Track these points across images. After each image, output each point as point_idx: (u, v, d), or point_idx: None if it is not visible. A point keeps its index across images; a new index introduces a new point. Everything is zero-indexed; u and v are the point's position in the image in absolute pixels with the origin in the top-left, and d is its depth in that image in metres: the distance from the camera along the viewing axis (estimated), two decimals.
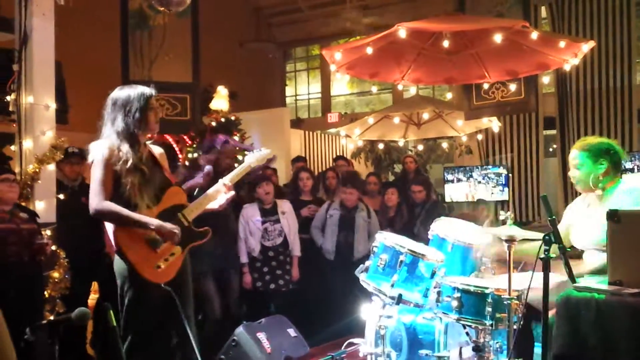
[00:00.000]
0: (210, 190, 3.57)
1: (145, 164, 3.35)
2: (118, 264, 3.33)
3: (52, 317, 4.49)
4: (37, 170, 5.05)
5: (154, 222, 3.24)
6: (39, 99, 5.18)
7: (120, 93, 3.39)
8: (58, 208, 5.28)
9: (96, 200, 3.22)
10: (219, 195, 3.56)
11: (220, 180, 3.61)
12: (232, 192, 3.61)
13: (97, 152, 3.29)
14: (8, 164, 5.64)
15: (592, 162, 3.50)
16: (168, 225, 3.27)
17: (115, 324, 2.51)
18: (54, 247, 4.92)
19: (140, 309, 3.29)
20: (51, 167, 5.21)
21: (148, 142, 3.53)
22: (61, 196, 5.35)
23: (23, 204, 4.92)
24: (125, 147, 3.28)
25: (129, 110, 3.32)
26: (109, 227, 3.31)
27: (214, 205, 3.58)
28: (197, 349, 3.20)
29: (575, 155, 3.59)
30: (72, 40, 7.66)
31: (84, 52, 9.43)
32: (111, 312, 2.49)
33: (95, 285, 6.06)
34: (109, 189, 3.24)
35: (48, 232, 4.97)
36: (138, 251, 3.25)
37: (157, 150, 3.59)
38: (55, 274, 4.94)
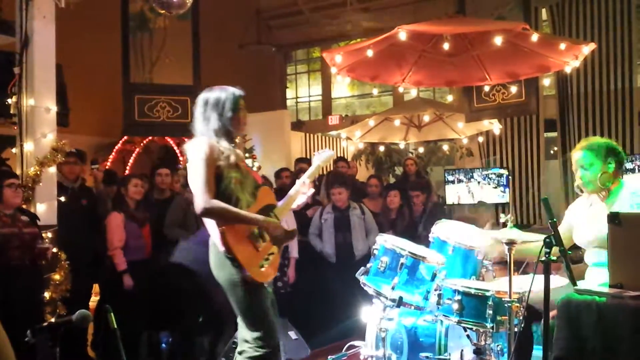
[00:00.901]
0: (291, 191, 3.59)
1: (241, 161, 3.36)
2: (223, 269, 3.24)
3: (53, 319, 4.49)
4: (38, 172, 5.05)
5: (260, 217, 3.23)
6: (40, 102, 5.18)
7: (211, 94, 3.40)
8: (59, 210, 5.28)
9: (204, 199, 3.12)
10: (299, 195, 3.59)
11: (298, 181, 3.63)
12: (312, 191, 3.66)
13: (197, 149, 3.22)
14: (8, 166, 5.66)
15: (602, 161, 3.42)
16: (273, 222, 3.29)
17: (115, 326, 2.51)
18: (55, 249, 4.92)
19: (261, 309, 3.25)
20: (52, 169, 5.21)
21: None
22: (62, 198, 5.36)
23: (24, 206, 4.93)
24: (225, 144, 3.28)
25: (222, 109, 3.33)
26: (212, 228, 3.22)
27: (293, 205, 3.64)
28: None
29: (582, 155, 3.48)
30: (73, 43, 7.68)
31: (84, 54, 9.44)
32: (112, 314, 2.49)
33: (96, 287, 6.06)
34: (213, 186, 3.17)
35: (49, 234, 4.97)
36: (245, 251, 3.20)
37: (238, 152, 3.55)
38: (56, 276, 4.94)
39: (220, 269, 3.25)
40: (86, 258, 5.51)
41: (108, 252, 5.35)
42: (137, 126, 8.35)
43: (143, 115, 8.22)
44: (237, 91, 3.43)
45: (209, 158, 3.18)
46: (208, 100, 3.38)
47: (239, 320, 3.32)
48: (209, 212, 3.16)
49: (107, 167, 8.86)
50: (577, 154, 3.52)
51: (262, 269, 3.25)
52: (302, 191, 3.58)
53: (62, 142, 5.27)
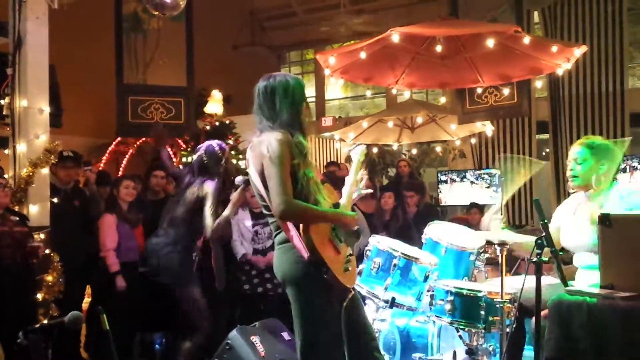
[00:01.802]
0: (344, 190, 3.31)
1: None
2: (304, 265, 2.88)
3: (45, 321, 4.48)
4: (31, 174, 5.04)
5: (340, 211, 3.01)
6: (32, 103, 5.18)
7: (275, 81, 3.03)
8: (51, 211, 5.27)
9: (284, 200, 2.79)
10: (353, 191, 3.32)
11: (347, 180, 3.35)
12: (366, 188, 3.44)
13: (272, 148, 2.86)
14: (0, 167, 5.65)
15: (595, 160, 3.49)
16: (350, 214, 3.06)
17: (108, 327, 2.51)
18: (47, 251, 4.91)
19: (330, 314, 2.91)
20: (45, 170, 5.20)
21: None
22: (55, 200, 5.35)
23: (17, 208, 4.92)
24: (300, 138, 2.95)
25: (293, 97, 3.00)
26: (293, 230, 2.88)
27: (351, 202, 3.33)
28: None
29: (579, 150, 3.55)
30: (66, 43, 7.66)
31: (78, 55, 9.43)
32: (104, 315, 2.50)
33: (88, 289, 6.05)
34: (291, 186, 2.85)
35: (42, 236, 4.97)
36: (329, 254, 2.90)
37: None
38: (49, 278, 4.93)
39: (291, 267, 2.94)
40: (79, 259, 5.50)
41: (100, 253, 5.35)
42: (131, 127, 8.33)
43: (136, 116, 8.19)
44: (300, 79, 3.13)
45: (284, 156, 2.85)
46: (275, 88, 3.01)
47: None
48: (289, 215, 2.84)
49: (100, 168, 8.85)
50: (575, 148, 3.59)
51: (347, 273, 2.99)
52: (353, 191, 3.32)
53: (55, 143, 5.26)
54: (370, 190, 3.51)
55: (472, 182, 9.22)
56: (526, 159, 10.70)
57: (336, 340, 2.89)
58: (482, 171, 9.54)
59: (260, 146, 2.93)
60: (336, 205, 3.11)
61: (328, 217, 2.96)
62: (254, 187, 3.06)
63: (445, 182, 9.32)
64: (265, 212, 3.09)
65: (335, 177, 7.13)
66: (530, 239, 3.24)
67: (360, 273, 3.97)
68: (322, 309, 2.91)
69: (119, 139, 9.52)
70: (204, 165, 4.81)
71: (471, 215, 7.77)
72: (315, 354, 2.91)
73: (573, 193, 3.72)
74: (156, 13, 6.64)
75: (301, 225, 2.86)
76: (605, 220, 2.35)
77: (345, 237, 3.05)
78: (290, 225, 2.89)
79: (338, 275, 2.87)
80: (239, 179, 4.39)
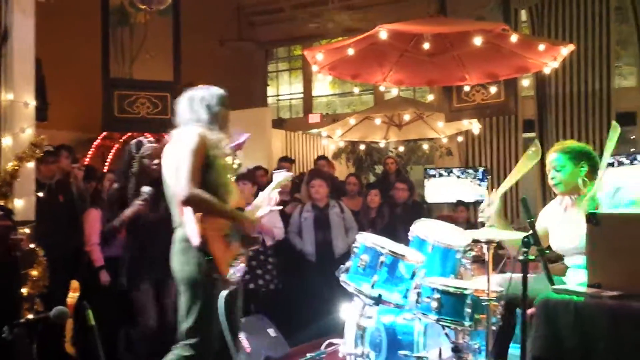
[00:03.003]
0: (256, 201, 3.62)
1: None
2: (188, 262, 3.16)
3: (30, 316, 4.45)
4: (17, 168, 5.00)
5: (239, 213, 3.21)
6: (18, 96, 5.13)
7: (196, 92, 3.42)
8: (36, 206, 5.23)
9: (187, 188, 3.07)
10: (262, 206, 3.58)
11: (261, 194, 3.64)
12: (274, 206, 3.65)
13: (187, 138, 3.18)
14: None
15: (574, 164, 3.53)
16: (250, 218, 3.27)
17: (93, 322, 2.50)
18: (32, 245, 4.87)
19: (214, 309, 3.12)
20: (30, 165, 5.16)
21: None
22: (40, 194, 5.31)
23: (2, 202, 4.88)
24: (217, 135, 3.27)
25: (209, 105, 3.35)
26: (191, 222, 3.11)
27: (259, 213, 3.59)
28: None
29: (555, 157, 3.60)
30: (52, 37, 7.59)
31: (64, 49, 9.34)
32: (90, 311, 2.48)
33: (74, 283, 6.00)
34: (198, 177, 3.12)
35: (27, 230, 4.92)
36: (220, 248, 3.14)
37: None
38: (34, 272, 4.89)
39: (184, 263, 3.18)
40: (64, 254, 5.46)
41: (85, 247, 5.32)
42: (117, 122, 8.30)
43: (123, 111, 8.17)
44: (221, 90, 3.46)
45: (199, 147, 3.14)
46: (194, 97, 3.39)
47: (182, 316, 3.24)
48: (190, 202, 3.09)
49: (86, 163, 8.79)
50: (552, 156, 3.63)
51: (230, 269, 3.20)
52: (264, 204, 3.58)
53: (41, 137, 5.22)
54: (278, 207, 3.73)
55: (457, 177, 9.26)
56: (512, 157, 10.84)
57: (212, 339, 3.17)
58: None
59: (178, 138, 3.25)
60: (240, 209, 3.36)
61: (227, 213, 3.17)
62: (165, 181, 3.30)
63: (434, 176, 9.35)
64: (169, 203, 3.32)
65: (321, 172, 7.16)
66: (518, 236, 3.26)
67: (347, 270, 3.97)
68: (209, 309, 3.10)
69: (105, 133, 9.45)
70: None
71: (457, 213, 7.80)
72: (198, 340, 3.15)
73: (558, 196, 3.74)
74: (143, 7, 6.60)
75: (198, 214, 3.08)
76: (592, 219, 2.37)
77: (244, 240, 3.30)
78: (187, 211, 3.11)
79: (221, 267, 3.11)
80: (145, 190, 4.40)
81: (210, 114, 3.32)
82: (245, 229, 3.27)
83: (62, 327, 4.97)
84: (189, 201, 3.08)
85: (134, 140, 4.82)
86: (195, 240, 3.08)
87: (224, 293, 3.08)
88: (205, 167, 3.15)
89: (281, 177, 3.79)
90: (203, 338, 3.16)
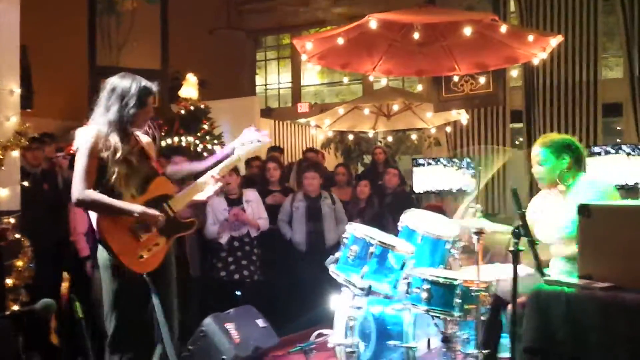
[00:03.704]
0: (198, 181, 3.50)
1: (133, 154, 3.28)
2: (100, 253, 3.26)
3: (16, 307, 4.40)
4: (1, 157, 4.93)
5: (138, 208, 3.18)
6: (3, 84, 5.05)
7: (122, 82, 3.29)
8: (21, 195, 5.17)
9: (79, 189, 3.12)
10: (207, 186, 3.48)
11: (208, 172, 3.53)
12: (220, 184, 3.54)
13: (83, 139, 3.18)
14: None
15: (555, 157, 3.57)
16: (151, 211, 3.21)
17: (81, 315, 2.47)
18: (18, 235, 4.82)
19: (124, 299, 3.23)
20: (15, 153, 5.09)
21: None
22: (26, 183, 5.24)
23: None
24: (115, 138, 3.20)
25: (127, 103, 3.23)
26: (92, 216, 3.23)
27: (201, 196, 3.51)
28: (170, 340, 3.17)
29: (538, 151, 3.64)
30: (38, 24, 7.48)
31: (50, 36, 9.23)
32: (77, 303, 2.45)
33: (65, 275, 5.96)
34: (92, 177, 3.16)
35: (12, 220, 4.86)
36: (121, 240, 3.18)
37: (145, 139, 3.50)
38: (19, 263, 4.84)
39: (99, 254, 3.28)
40: (50, 244, 5.41)
41: (71, 237, 5.27)
42: None
43: None
44: (150, 86, 3.33)
45: (93, 149, 3.15)
46: (116, 88, 3.28)
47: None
48: (82, 202, 3.16)
49: (71, 151, 8.71)
50: (535, 150, 3.70)
51: (141, 260, 3.22)
52: (210, 183, 3.48)
53: (26, 125, 5.14)
54: (218, 186, 3.55)
55: (444, 166, 9.27)
56: (499, 148, 10.86)
57: (133, 323, 3.22)
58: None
59: (77, 137, 3.24)
60: (163, 198, 3.33)
61: (116, 209, 3.16)
62: None
63: (422, 164, 9.36)
64: None
65: (316, 163, 7.13)
66: (505, 229, 3.27)
67: (337, 260, 3.96)
68: (118, 293, 3.21)
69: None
70: None
71: (446, 202, 7.81)
72: (120, 332, 3.21)
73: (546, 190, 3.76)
74: None
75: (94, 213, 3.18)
76: (584, 211, 2.36)
77: (165, 228, 3.28)
78: (89, 211, 3.25)
79: (124, 259, 3.15)
80: None
81: (121, 114, 3.23)
82: (147, 221, 3.22)
83: (48, 318, 4.94)
84: (80, 203, 3.16)
85: None
86: (97, 236, 3.19)
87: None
88: (101, 169, 3.17)
89: (244, 151, 3.59)
90: (118, 324, 3.22)
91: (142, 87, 3.28)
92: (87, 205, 3.19)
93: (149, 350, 3.26)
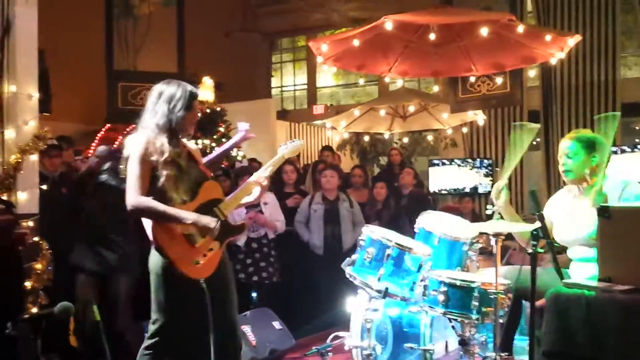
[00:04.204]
0: (246, 184, 3.52)
1: (182, 158, 3.29)
2: (154, 260, 3.24)
3: (35, 310, 4.44)
4: (20, 160, 4.97)
5: (190, 215, 3.16)
6: (21, 88, 5.09)
7: (168, 87, 3.32)
8: (40, 199, 5.21)
9: (133, 196, 3.12)
10: (254, 188, 3.50)
11: (255, 173, 3.56)
12: (266, 184, 3.56)
13: (134, 146, 3.19)
14: None
15: (586, 153, 3.49)
16: (204, 219, 3.19)
17: (99, 318, 2.48)
18: (36, 238, 4.86)
19: (175, 305, 3.22)
20: (34, 157, 5.13)
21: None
22: (44, 187, 5.29)
23: (5, 195, 4.85)
24: (164, 140, 3.21)
25: (174, 106, 3.26)
26: (147, 222, 3.24)
27: (249, 198, 3.53)
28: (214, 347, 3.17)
29: (568, 144, 3.55)
30: (55, 28, 7.56)
31: (67, 40, 9.31)
32: (95, 307, 2.46)
33: None
34: (146, 184, 3.16)
35: (30, 223, 4.90)
36: (177, 247, 3.17)
37: (192, 146, 3.55)
38: (38, 266, 4.88)
39: (152, 260, 3.25)
40: (68, 247, 5.45)
41: None
42: (121, 114, 8.26)
43: (127, 102, 8.13)
44: (194, 90, 3.37)
45: (144, 155, 3.16)
46: (162, 93, 3.31)
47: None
48: (136, 210, 3.15)
49: (89, 155, 8.78)
50: (565, 142, 3.59)
51: (198, 265, 3.19)
52: (257, 184, 3.49)
53: (45, 129, 5.19)
54: (264, 184, 3.55)
55: (458, 165, 9.26)
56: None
57: (184, 328, 3.20)
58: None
59: (127, 144, 3.25)
60: (214, 202, 3.31)
61: (169, 216, 3.15)
62: None
63: (437, 164, 9.36)
64: None
65: (334, 164, 7.14)
66: (527, 228, 3.22)
67: (353, 263, 3.94)
68: (170, 299, 3.20)
69: (108, 125, 9.43)
70: None
71: (463, 204, 7.77)
72: (165, 338, 3.20)
73: (570, 185, 3.70)
74: None
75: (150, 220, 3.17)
76: (604, 213, 2.33)
77: (222, 231, 3.24)
78: (143, 218, 3.25)
79: (181, 266, 3.12)
80: (100, 149, 4.51)
81: (169, 118, 3.25)
82: (199, 227, 3.20)
83: (66, 321, 4.97)
84: (134, 211, 3.16)
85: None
86: (153, 244, 3.18)
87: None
88: (153, 175, 3.17)
89: (290, 148, 3.69)
90: (161, 327, 3.20)
91: (188, 91, 3.32)
92: (141, 212, 3.19)
93: (192, 357, 3.27)
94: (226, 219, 3.36)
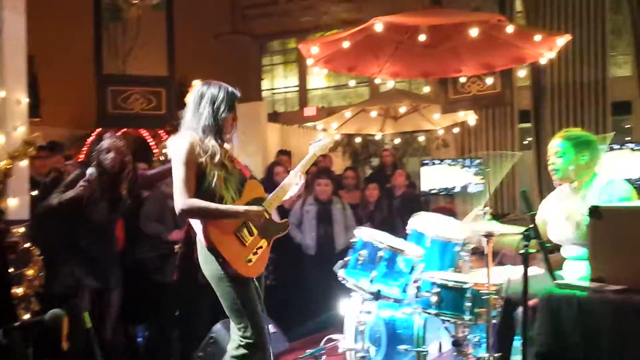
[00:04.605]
0: (284, 182, 3.52)
1: (226, 158, 3.27)
2: (209, 265, 3.19)
3: (26, 316, 4.41)
4: (10, 166, 4.94)
5: (241, 208, 3.18)
6: (10, 94, 5.06)
7: (209, 88, 3.31)
8: (31, 204, 5.18)
9: (181, 199, 3.08)
10: (292, 186, 3.51)
11: (291, 171, 3.56)
12: (303, 181, 3.55)
13: (179, 148, 3.15)
14: None
15: (575, 152, 3.50)
16: (254, 209, 3.21)
17: (90, 325, 2.46)
18: (27, 245, 4.82)
19: (249, 303, 3.19)
20: (24, 163, 5.10)
21: None
22: (34, 193, 5.25)
23: None
24: (212, 141, 3.19)
25: (218, 107, 3.25)
26: (196, 224, 3.19)
27: (287, 196, 3.54)
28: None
29: (557, 143, 3.56)
30: (44, 33, 7.53)
31: (56, 45, 9.27)
32: (87, 313, 2.45)
33: None
34: (192, 185, 3.13)
35: (21, 230, 4.87)
36: (230, 247, 3.15)
37: (226, 145, 3.47)
38: (30, 272, 4.83)
39: (205, 263, 3.22)
40: (60, 253, 5.41)
41: None
42: (111, 118, 8.23)
43: (117, 106, 8.11)
44: (235, 91, 3.37)
45: (190, 156, 3.12)
46: (204, 94, 3.29)
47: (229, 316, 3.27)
48: (186, 212, 3.13)
49: (80, 160, 8.74)
50: (555, 142, 3.60)
51: (250, 264, 3.21)
52: (295, 182, 3.49)
53: (35, 134, 5.15)
54: (302, 182, 3.56)
55: (449, 165, 9.29)
56: (508, 148, 10.81)
57: (256, 326, 3.20)
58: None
59: (171, 146, 3.22)
60: (257, 201, 3.31)
61: (228, 214, 3.16)
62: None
63: (427, 164, 9.38)
64: None
65: (328, 171, 7.13)
66: (515, 232, 3.24)
67: (346, 265, 3.94)
68: (243, 299, 3.17)
69: (99, 129, 9.40)
70: None
71: (454, 204, 7.79)
72: (259, 337, 3.18)
73: (559, 185, 3.72)
74: (135, 2, 6.53)
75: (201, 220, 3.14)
76: (595, 213, 2.33)
77: (265, 230, 3.30)
78: (191, 220, 3.22)
79: (235, 265, 3.12)
80: (89, 171, 4.44)
81: (215, 119, 3.24)
82: (253, 221, 3.23)
83: (58, 328, 4.94)
84: (184, 213, 3.13)
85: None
86: (204, 243, 3.14)
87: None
88: (200, 175, 3.14)
89: (320, 146, 3.70)
90: (250, 328, 3.16)
91: (230, 92, 3.32)
92: (192, 214, 3.16)
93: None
94: (270, 216, 3.37)
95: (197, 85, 3.36)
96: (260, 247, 3.29)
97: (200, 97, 3.29)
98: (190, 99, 3.33)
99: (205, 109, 3.25)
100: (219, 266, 3.14)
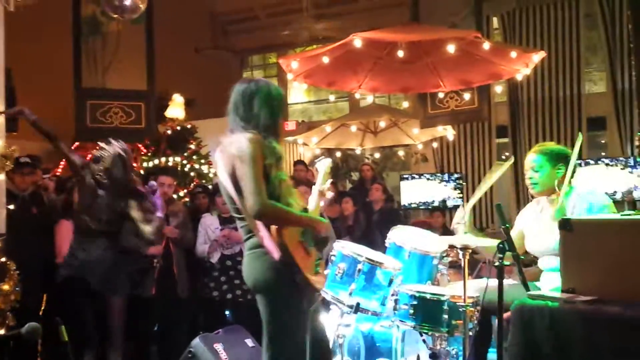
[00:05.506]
0: (312, 199, 3.36)
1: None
2: (275, 275, 2.88)
3: (2, 331, 4.36)
4: None
5: (314, 217, 3.00)
6: None
7: (257, 86, 3.06)
8: (8, 218, 5.13)
9: (259, 199, 2.77)
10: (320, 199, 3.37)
11: (314, 188, 3.42)
12: (331, 193, 3.46)
13: (242, 147, 2.85)
14: None
15: (551, 165, 3.57)
16: (322, 219, 3.06)
17: (67, 338, 2.45)
18: (3, 259, 4.78)
19: (309, 319, 2.99)
20: (1, 177, 5.06)
21: None
22: (11, 206, 5.21)
23: None
24: (275, 143, 2.95)
25: (273, 106, 3.03)
26: (264, 231, 2.85)
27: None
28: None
29: (533, 158, 3.64)
30: (23, 46, 7.50)
31: (35, 59, 9.23)
32: (63, 327, 2.44)
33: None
34: (264, 186, 2.83)
35: None
36: (300, 256, 2.91)
37: None
38: (5, 287, 4.79)
39: (259, 269, 2.93)
40: (37, 267, 5.37)
41: (57, 260, 5.24)
42: (90, 132, 8.17)
43: (95, 120, 8.05)
44: (281, 90, 3.17)
45: (257, 156, 2.84)
46: (255, 92, 3.04)
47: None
48: (264, 214, 2.82)
49: (57, 174, 8.68)
50: (530, 157, 3.67)
51: (318, 274, 3.04)
52: (323, 194, 3.39)
53: (12, 148, 5.12)
54: (332, 194, 3.56)
55: (427, 179, 9.39)
56: (486, 162, 10.94)
57: (301, 347, 2.96)
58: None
59: (230, 147, 2.92)
60: (304, 211, 3.14)
61: (302, 220, 3.00)
62: (224, 191, 3.04)
63: (407, 178, 9.45)
64: (235, 215, 3.07)
65: (301, 177, 7.16)
66: (493, 243, 3.28)
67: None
68: (293, 316, 2.92)
69: (77, 143, 9.34)
70: None
71: (433, 218, 7.84)
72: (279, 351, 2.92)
73: (535, 198, 3.79)
74: (115, 16, 6.53)
75: (273, 226, 2.86)
76: (566, 225, 2.39)
77: (315, 242, 3.09)
78: (261, 225, 2.86)
79: (309, 276, 2.90)
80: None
81: (274, 120, 3.01)
82: (320, 230, 3.06)
83: (36, 342, 4.89)
84: (263, 215, 2.83)
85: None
86: (276, 255, 2.84)
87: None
88: (265, 177, 2.88)
89: (325, 164, 3.57)
90: (286, 347, 2.91)
91: (279, 91, 3.13)
92: (269, 216, 2.85)
93: None
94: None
95: (239, 84, 3.13)
96: (320, 258, 3.13)
97: (250, 95, 3.04)
98: (235, 99, 3.09)
99: (263, 108, 3.01)
100: (290, 276, 2.85)
